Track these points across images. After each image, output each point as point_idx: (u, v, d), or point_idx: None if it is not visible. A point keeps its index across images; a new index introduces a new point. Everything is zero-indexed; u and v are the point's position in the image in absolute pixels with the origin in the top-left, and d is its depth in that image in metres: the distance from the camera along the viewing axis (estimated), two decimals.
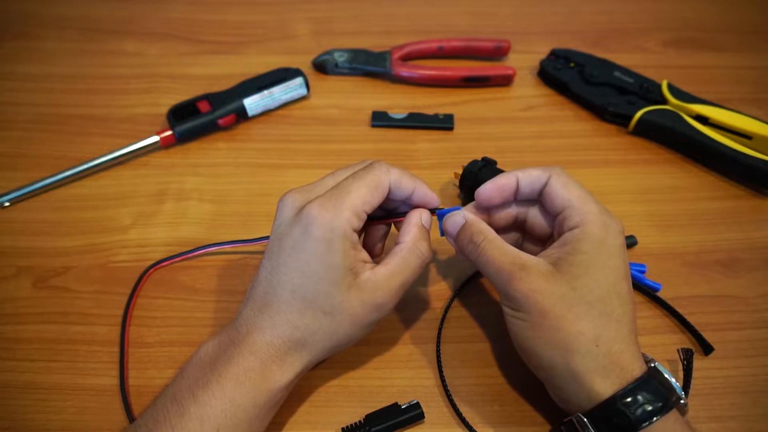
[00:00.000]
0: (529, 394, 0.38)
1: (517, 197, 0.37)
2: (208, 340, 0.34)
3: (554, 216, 0.36)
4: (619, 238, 0.34)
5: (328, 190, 0.34)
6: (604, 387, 0.31)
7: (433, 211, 0.37)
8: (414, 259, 0.35)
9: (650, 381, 0.31)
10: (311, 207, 0.33)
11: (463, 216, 0.36)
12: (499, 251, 0.34)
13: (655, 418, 0.30)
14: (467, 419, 0.37)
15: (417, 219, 0.36)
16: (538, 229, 0.38)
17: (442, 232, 0.38)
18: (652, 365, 0.32)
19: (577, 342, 0.31)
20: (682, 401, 0.32)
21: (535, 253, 0.35)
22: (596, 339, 0.31)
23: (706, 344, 0.40)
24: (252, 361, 0.32)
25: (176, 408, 0.30)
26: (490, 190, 0.36)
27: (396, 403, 0.37)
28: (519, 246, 0.39)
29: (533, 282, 0.32)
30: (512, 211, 0.38)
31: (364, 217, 0.34)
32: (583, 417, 0.32)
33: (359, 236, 0.36)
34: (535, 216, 0.38)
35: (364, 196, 0.33)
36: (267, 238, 0.36)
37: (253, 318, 0.33)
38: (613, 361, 0.31)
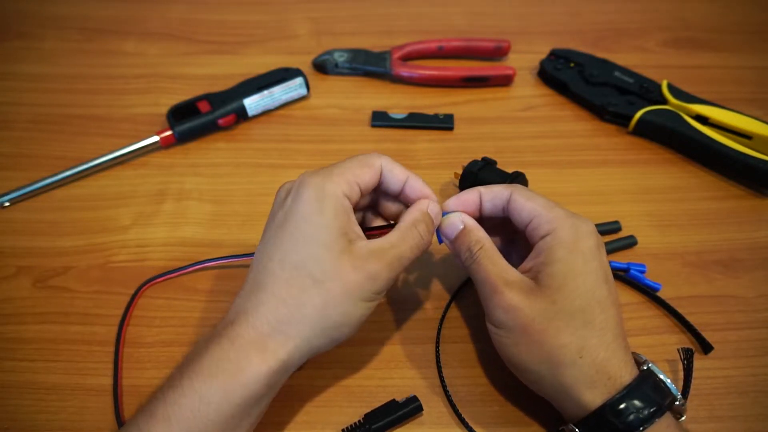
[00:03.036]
0: (528, 394, 0.38)
1: (483, 214, 0.37)
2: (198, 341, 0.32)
3: (523, 229, 0.35)
4: (591, 239, 0.33)
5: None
6: (593, 398, 0.31)
7: None
8: (412, 237, 0.33)
9: (641, 387, 0.31)
10: (303, 175, 0.33)
11: (461, 220, 0.36)
12: (491, 262, 0.34)
13: (645, 426, 0.30)
14: (466, 419, 0.37)
15: (423, 206, 0.35)
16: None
17: (441, 239, 0.37)
18: (645, 367, 0.32)
19: (561, 355, 0.31)
20: (677, 402, 0.31)
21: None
22: (579, 350, 0.31)
23: (706, 343, 0.40)
24: (228, 349, 0.29)
25: (149, 408, 0.29)
26: (453, 205, 0.37)
27: (393, 399, 0.37)
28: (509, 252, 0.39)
29: (513, 298, 0.32)
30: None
31: (357, 190, 0.33)
32: (575, 428, 0.32)
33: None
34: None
35: (354, 168, 0.33)
36: None
37: (239, 304, 0.31)
38: (600, 371, 0.31)
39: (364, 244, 0.32)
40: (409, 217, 0.34)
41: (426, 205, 0.35)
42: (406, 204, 0.36)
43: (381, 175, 0.35)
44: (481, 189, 0.37)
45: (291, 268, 0.31)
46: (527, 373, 0.33)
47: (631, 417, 0.30)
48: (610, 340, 0.32)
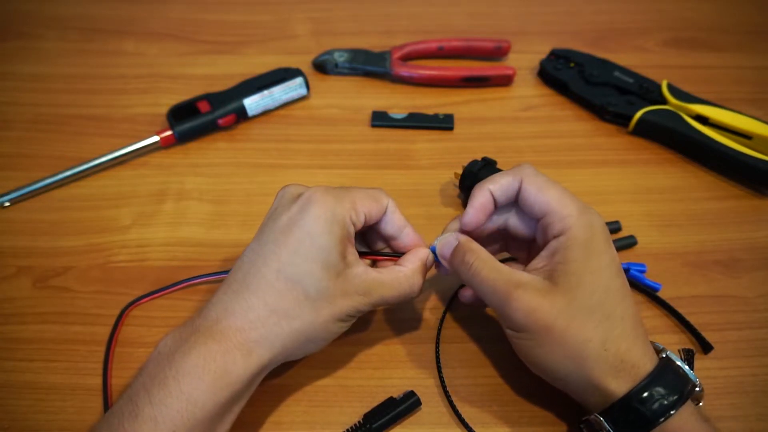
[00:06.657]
0: (527, 394, 0.38)
1: (497, 207, 0.37)
2: (169, 332, 0.32)
3: (535, 221, 0.35)
4: (603, 233, 0.34)
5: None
6: (618, 386, 0.31)
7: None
8: (405, 287, 0.35)
9: (663, 374, 0.31)
10: (314, 190, 0.33)
11: (455, 237, 0.36)
12: (493, 270, 0.34)
13: (671, 412, 0.30)
14: (466, 419, 0.37)
15: (424, 256, 0.36)
16: (520, 234, 0.38)
17: (444, 271, 0.37)
18: (664, 355, 0.32)
19: (587, 350, 0.31)
20: (697, 388, 0.32)
21: (521, 259, 0.36)
22: (603, 343, 0.31)
23: (706, 343, 0.40)
24: (215, 350, 0.30)
25: (130, 409, 0.28)
26: (474, 214, 0.36)
27: (391, 396, 0.37)
28: (502, 253, 0.39)
29: (531, 300, 0.32)
30: (493, 225, 0.38)
31: (362, 220, 0.34)
32: (599, 417, 0.32)
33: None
34: (515, 222, 0.37)
35: (364, 199, 0.34)
36: None
37: (225, 302, 0.32)
38: (624, 360, 0.31)
39: (359, 273, 0.33)
40: (411, 265, 0.35)
41: (427, 255, 0.37)
42: (395, 249, 0.37)
43: (384, 214, 0.36)
44: (489, 186, 0.36)
45: (286, 280, 0.31)
46: (552, 372, 0.33)
47: (656, 405, 0.30)
48: (630, 330, 0.32)
